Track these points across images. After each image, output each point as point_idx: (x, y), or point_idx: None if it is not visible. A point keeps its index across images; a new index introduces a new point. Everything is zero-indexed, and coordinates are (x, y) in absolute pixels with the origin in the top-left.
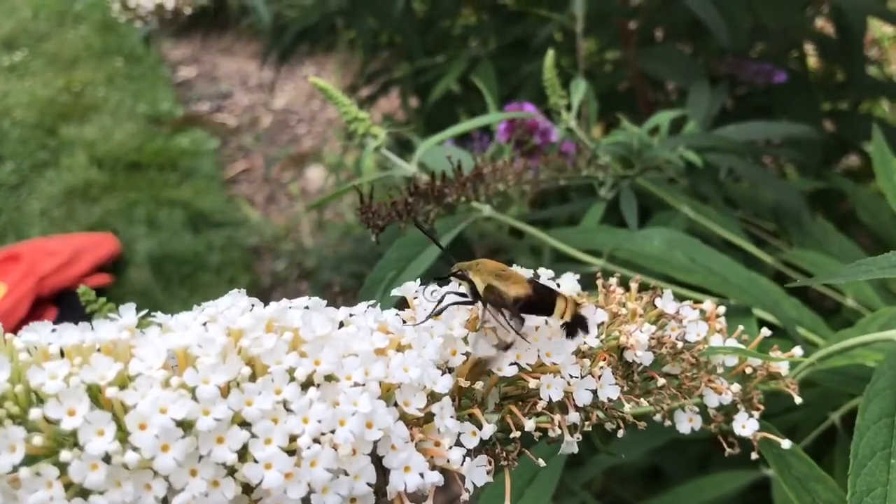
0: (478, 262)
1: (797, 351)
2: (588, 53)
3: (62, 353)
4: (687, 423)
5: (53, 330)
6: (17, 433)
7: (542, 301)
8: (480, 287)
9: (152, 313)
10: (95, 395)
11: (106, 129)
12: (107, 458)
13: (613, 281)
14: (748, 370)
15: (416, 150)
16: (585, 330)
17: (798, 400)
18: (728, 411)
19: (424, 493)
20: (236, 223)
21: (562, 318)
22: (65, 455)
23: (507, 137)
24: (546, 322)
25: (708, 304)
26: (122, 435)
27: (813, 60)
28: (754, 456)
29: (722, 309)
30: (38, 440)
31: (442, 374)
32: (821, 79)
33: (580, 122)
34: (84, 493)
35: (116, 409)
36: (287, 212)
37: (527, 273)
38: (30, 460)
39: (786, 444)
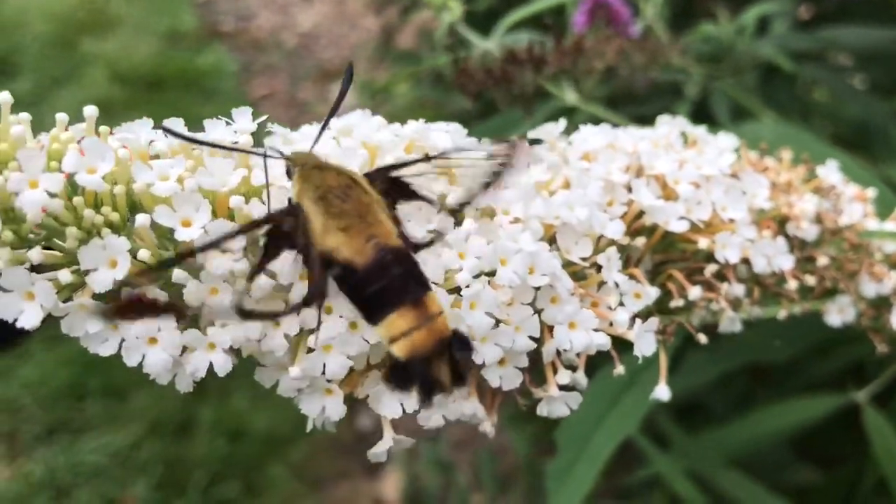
0: (320, 163)
1: None
2: None
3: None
4: (837, 314)
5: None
6: (118, 244)
7: (379, 283)
8: (294, 199)
9: (269, 123)
10: (213, 204)
11: (127, 46)
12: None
13: (754, 154)
14: None
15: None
16: (439, 388)
17: None
18: (878, 304)
19: (573, 363)
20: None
21: (392, 341)
22: (177, 274)
23: (587, 25)
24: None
25: (853, 186)
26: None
27: None
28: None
29: (872, 190)
30: (144, 254)
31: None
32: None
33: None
34: (198, 323)
35: (240, 223)
36: None
37: (388, 226)
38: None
39: None
